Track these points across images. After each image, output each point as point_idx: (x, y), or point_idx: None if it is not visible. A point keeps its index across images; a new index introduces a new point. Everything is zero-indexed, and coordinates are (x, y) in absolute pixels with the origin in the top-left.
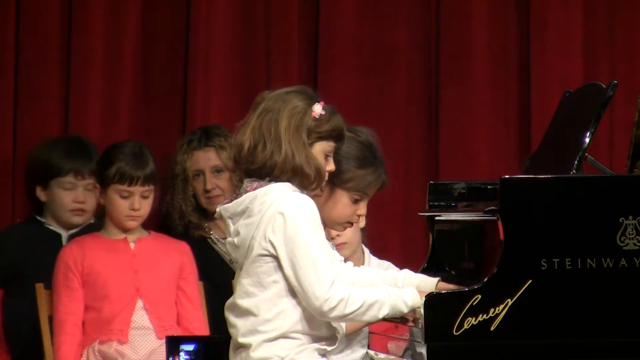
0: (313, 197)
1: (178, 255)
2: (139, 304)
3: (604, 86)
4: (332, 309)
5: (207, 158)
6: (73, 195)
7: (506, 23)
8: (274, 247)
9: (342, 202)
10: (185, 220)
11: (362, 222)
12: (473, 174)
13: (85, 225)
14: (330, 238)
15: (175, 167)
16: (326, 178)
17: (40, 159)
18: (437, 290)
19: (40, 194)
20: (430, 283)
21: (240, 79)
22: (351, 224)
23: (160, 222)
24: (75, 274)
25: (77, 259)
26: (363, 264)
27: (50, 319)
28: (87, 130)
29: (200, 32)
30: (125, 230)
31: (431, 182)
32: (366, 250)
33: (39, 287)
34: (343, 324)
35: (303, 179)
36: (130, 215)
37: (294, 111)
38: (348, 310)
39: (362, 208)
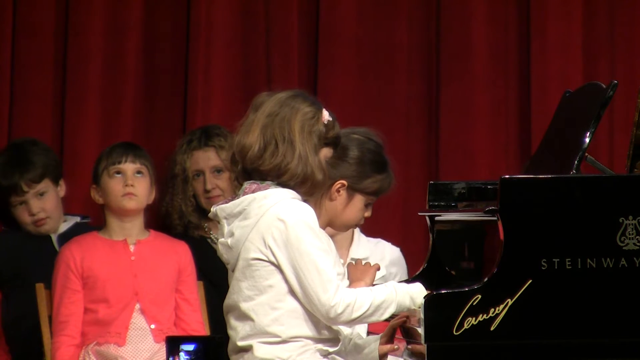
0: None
1: (177, 258)
2: (137, 307)
3: (604, 86)
4: (339, 314)
5: (207, 158)
6: (27, 210)
7: (506, 23)
8: (274, 255)
9: (358, 207)
10: (185, 220)
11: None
12: (473, 174)
13: (73, 225)
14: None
15: (175, 167)
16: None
17: None
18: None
19: (10, 214)
20: None
21: (240, 79)
22: (356, 226)
23: (160, 222)
24: (75, 275)
25: (77, 260)
26: (351, 242)
27: (51, 318)
28: (83, 132)
29: (201, 32)
30: (126, 214)
31: (431, 182)
32: (356, 230)
33: (39, 287)
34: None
35: (313, 185)
36: (127, 194)
37: (306, 116)
38: (355, 315)
39: (369, 210)
